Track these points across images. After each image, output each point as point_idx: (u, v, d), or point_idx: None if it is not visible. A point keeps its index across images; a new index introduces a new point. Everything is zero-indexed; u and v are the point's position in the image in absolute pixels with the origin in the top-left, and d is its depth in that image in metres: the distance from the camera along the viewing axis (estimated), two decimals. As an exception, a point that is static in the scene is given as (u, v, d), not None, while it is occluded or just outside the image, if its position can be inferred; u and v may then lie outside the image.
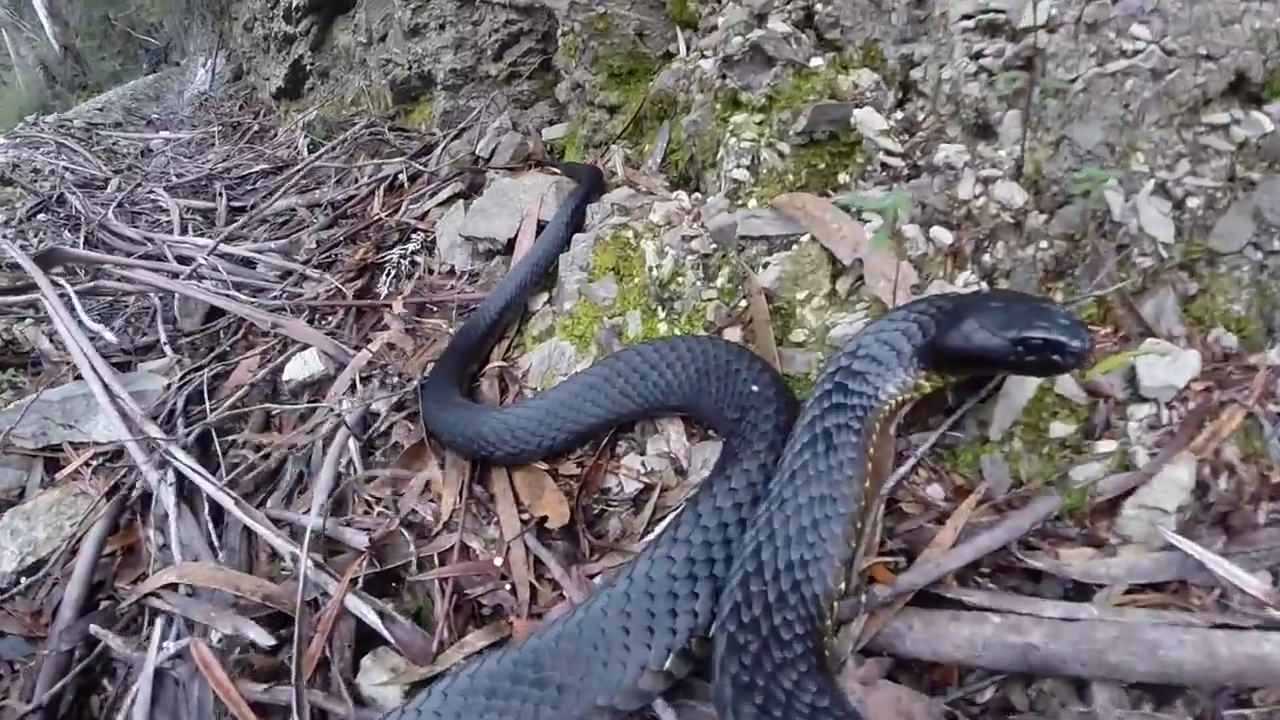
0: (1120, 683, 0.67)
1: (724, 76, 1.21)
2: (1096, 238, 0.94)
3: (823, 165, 1.11)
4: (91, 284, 2.34)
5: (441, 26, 2.72)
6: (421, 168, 2.49)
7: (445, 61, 2.73)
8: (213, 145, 4.38)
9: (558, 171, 1.78)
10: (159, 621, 1.05)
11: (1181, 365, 0.82)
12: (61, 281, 2.18)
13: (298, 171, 3.11)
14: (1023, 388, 0.83)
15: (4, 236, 2.84)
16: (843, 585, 0.70)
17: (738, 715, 0.60)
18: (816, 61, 1.17)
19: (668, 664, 0.69)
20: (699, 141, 1.31)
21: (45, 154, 4.35)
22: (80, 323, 1.95)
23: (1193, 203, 0.93)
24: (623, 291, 1.20)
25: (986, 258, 0.95)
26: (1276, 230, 0.90)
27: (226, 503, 1.26)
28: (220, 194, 3.23)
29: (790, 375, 0.98)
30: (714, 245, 1.16)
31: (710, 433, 1.01)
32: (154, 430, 1.51)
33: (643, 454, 1.03)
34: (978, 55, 1.05)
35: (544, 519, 0.99)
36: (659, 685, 0.69)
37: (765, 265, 1.06)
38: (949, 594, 0.73)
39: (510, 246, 1.61)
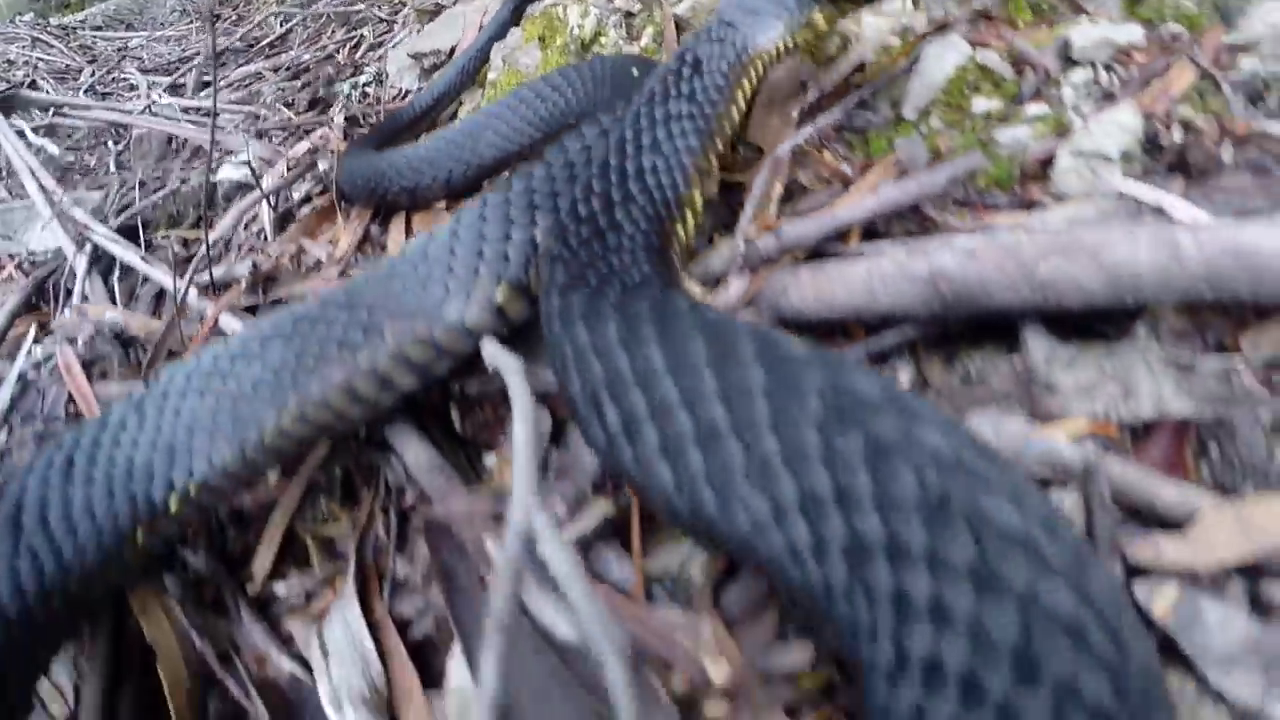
0: (1056, 316, 0.55)
1: None
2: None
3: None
4: (48, 121, 2.35)
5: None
6: (390, 25, 2.40)
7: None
8: (187, 38, 4.28)
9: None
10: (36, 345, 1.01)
11: (1122, 30, 0.74)
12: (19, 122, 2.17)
13: (268, 44, 3.02)
14: (941, 62, 0.75)
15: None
16: (697, 194, 0.62)
17: (564, 314, 0.48)
18: None
19: (498, 295, 0.59)
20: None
21: (20, 48, 4.26)
22: (27, 142, 1.93)
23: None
24: (545, 57, 1.13)
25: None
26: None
27: (129, 256, 1.22)
28: (190, 70, 3.15)
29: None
30: (639, 5, 1.08)
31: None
32: (80, 215, 1.48)
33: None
34: None
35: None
36: (488, 321, 0.60)
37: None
38: (849, 252, 0.65)
39: (453, 54, 1.53)
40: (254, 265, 0.98)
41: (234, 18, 4.23)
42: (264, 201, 1.21)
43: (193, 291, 0.99)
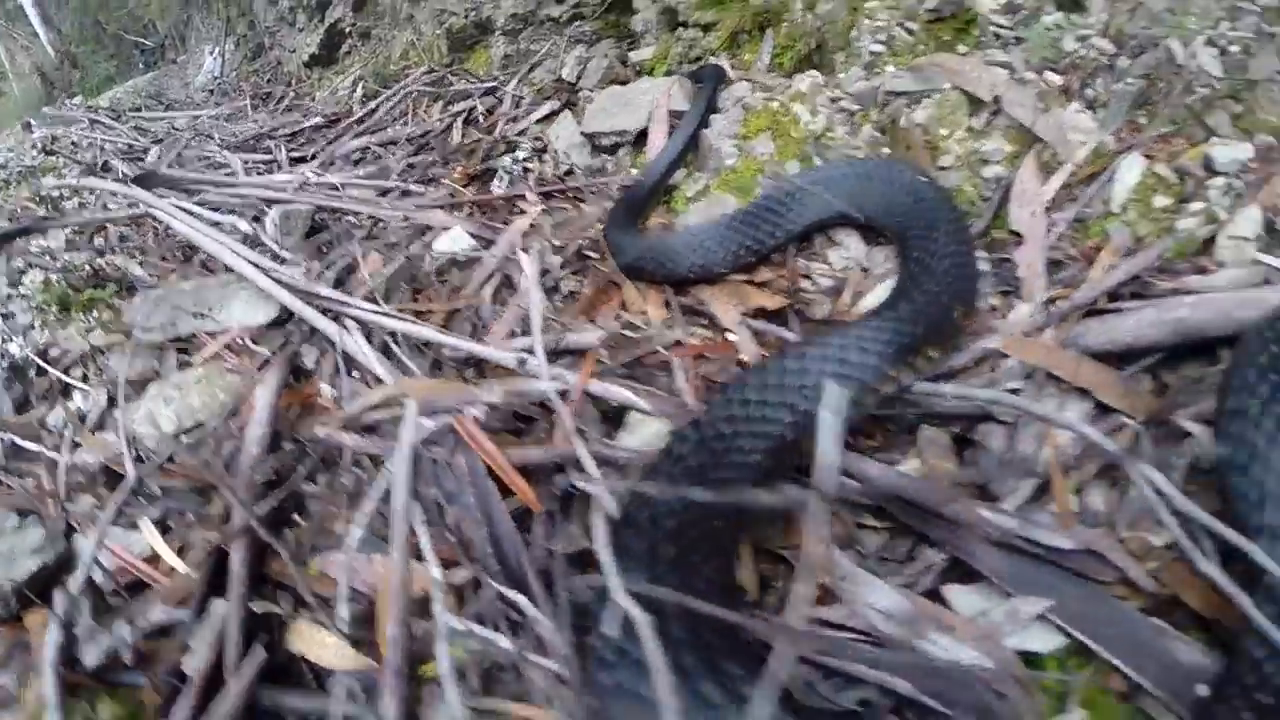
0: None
1: (857, -27, 1.50)
2: (1169, 74, 1.25)
3: (947, 37, 1.40)
4: (196, 199, 2.45)
5: (503, -27, 2.93)
6: (498, 101, 2.70)
7: (505, 7, 2.94)
8: (245, 116, 4.44)
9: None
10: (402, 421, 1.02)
11: (1241, 150, 1.13)
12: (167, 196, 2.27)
13: (355, 120, 3.28)
14: (1131, 171, 1.13)
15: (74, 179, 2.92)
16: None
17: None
18: (934, -43, 1.46)
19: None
20: (831, 28, 1.58)
21: (79, 130, 4.31)
22: (210, 221, 1.97)
23: (1232, 49, 1.25)
24: (779, 147, 1.47)
25: (1089, 92, 1.26)
26: (1296, 62, 1.23)
27: (438, 335, 1.26)
28: (278, 146, 3.35)
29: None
30: (857, 106, 1.44)
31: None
32: (325, 289, 1.43)
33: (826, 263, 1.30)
34: (1066, -53, 1.36)
35: (761, 308, 1.24)
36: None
37: (913, 110, 1.34)
38: (1108, 309, 1.00)
39: (640, 137, 1.85)
40: (600, 340, 1.24)
41: (291, 94, 4.43)
42: (525, 276, 1.46)
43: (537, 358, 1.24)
